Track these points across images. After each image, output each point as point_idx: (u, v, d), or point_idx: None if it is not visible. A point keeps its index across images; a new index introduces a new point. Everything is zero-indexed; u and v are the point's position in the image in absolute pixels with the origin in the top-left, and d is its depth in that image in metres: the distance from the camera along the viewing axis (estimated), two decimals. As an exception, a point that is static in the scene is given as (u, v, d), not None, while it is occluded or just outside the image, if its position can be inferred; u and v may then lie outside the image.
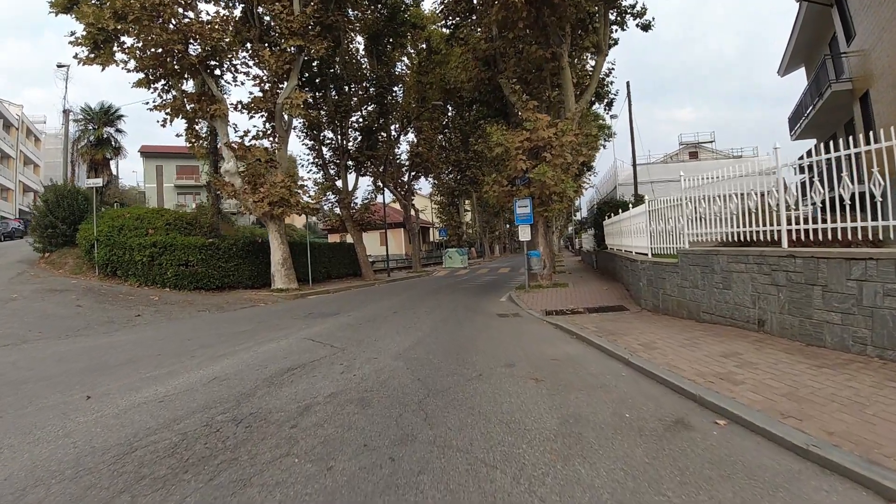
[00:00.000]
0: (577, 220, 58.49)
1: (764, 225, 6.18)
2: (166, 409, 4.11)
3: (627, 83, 19.98)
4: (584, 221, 58.29)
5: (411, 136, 27.99)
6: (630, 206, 12.33)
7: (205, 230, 18.07)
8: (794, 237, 5.87)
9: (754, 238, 6.38)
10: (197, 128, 17.26)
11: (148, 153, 40.07)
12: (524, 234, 11.69)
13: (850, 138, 5.20)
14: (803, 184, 6.28)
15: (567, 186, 10.98)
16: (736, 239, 6.74)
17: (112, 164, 36.54)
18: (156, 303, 12.59)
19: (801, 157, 6.25)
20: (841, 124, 17.17)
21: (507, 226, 61.08)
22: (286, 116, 16.75)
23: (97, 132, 34.37)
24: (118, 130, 35.92)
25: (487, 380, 4.77)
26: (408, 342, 6.85)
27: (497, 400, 4.12)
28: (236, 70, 16.59)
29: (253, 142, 16.47)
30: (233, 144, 16.07)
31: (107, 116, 35.23)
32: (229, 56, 16.14)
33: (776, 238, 6.06)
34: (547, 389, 4.41)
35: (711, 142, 47.75)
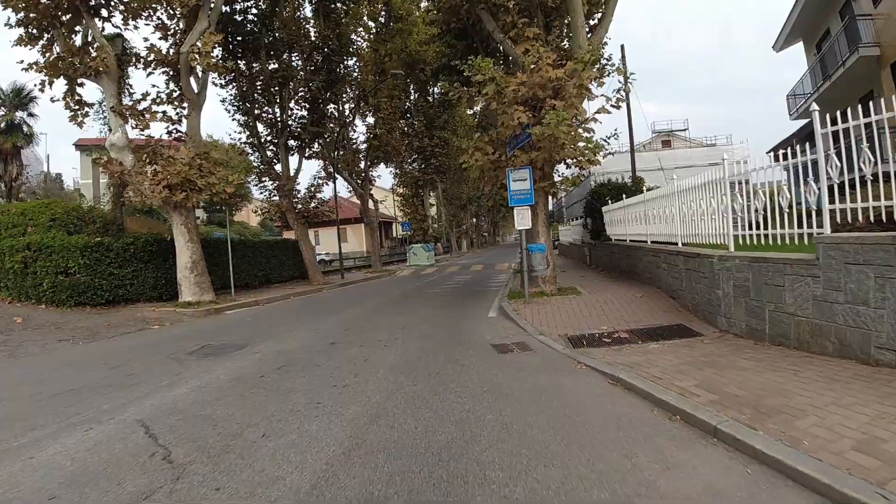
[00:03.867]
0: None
1: None
2: None
3: (622, 46, 16.95)
4: (554, 213, 56.02)
5: (369, 119, 24.37)
6: (646, 189, 9.18)
7: (98, 226, 13.80)
8: None
9: None
10: (89, 97, 12.99)
11: (84, 146, 34.62)
12: (522, 219, 8.15)
13: None
14: None
15: (588, 146, 7.56)
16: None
17: (45, 154, 31.65)
18: (13, 328, 9.15)
19: None
20: (856, 98, 15.50)
21: (474, 220, 58.01)
22: (199, 72, 12.74)
23: (7, 117, 29.16)
24: (31, 115, 30.68)
25: None
26: (332, 444, 3.20)
27: None
28: (128, 10, 12.40)
29: (152, 106, 12.36)
30: (122, 110, 11.95)
31: (18, 99, 29.89)
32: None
33: None
34: None
35: (685, 129, 46.15)
